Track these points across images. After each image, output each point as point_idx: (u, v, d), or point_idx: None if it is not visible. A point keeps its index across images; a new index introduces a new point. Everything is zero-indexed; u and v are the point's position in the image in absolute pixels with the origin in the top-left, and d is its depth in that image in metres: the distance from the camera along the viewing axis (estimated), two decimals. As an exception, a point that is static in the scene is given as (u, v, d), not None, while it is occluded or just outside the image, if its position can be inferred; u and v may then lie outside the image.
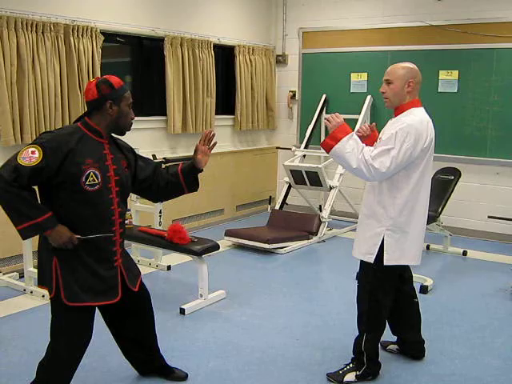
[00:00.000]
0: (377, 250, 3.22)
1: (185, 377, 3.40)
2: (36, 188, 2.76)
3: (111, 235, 2.90)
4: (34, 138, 5.11)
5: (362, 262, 3.34)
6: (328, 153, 3.17)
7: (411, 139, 3.07)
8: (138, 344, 3.30)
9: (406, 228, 3.23)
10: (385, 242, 3.21)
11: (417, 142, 3.10)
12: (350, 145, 3.08)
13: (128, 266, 3.07)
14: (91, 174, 2.75)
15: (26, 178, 2.62)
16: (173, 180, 3.16)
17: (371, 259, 3.24)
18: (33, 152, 2.64)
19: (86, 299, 2.82)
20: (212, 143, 3.20)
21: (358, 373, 3.37)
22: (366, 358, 3.36)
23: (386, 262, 3.22)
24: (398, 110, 3.25)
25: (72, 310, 2.80)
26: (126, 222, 5.01)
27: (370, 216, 3.27)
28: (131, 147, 3.11)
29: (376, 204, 3.23)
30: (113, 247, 2.94)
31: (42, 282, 2.95)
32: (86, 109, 2.89)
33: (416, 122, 3.13)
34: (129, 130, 2.96)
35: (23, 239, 2.83)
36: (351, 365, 3.41)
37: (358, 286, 3.42)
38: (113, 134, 2.96)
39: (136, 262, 5.49)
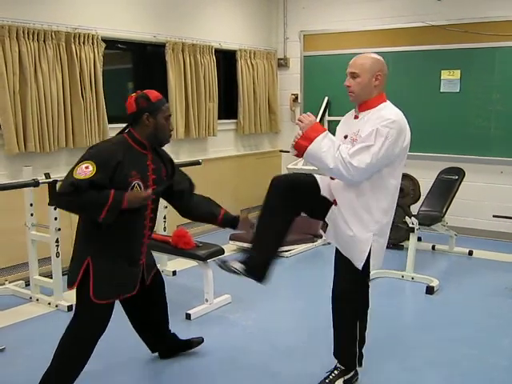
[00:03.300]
0: (365, 256, 3.07)
1: (201, 341, 3.71)
2: None
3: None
4: (38, 146, 5.14)
5: (347, 263, 3.12)
6: (301, 155, 2.99)
7: (393, 135, 2.90)
8: (150, 325, 3.52)
9: (388, 231, 3.16)
10: (372, 248, 3.06)
11: (399, 139, 2.94)
12: (325, 143, 2.90)
13: (148, 262, 3.29)
14: (136, 185, 2.97)
15: (83, 190, 2.81)
16: (208, 218, 3.53)
17: (360, 266, 3.09)
18: (86, 167, 2.83)
19: (111, 297, 3.05)
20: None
21: (345, 377, 3.30)
22: (356, 360, 3.31)
23: (371, 268, 3.12)
24: (365, 106, 3.06)
25: (97, 305, 3.00)
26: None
27: (354, 222, 3.04)
28: (171, 158, 3.32)
29: (360, 208, 3.02)
30: (141, 248, 3.16)
31: (68, 279, 3.12)
32: (128, 122, 3.14)
33: (399, 117, 2.98)
34: (168, 142, 3.14)
35: (108, 223, 2.91)
36: (335, 372, 3.31)
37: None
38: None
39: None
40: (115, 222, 2.92)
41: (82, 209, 2.93)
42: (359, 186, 3.00)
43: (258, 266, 3.10)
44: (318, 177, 3.18)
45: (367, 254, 3.06)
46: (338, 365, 3.32)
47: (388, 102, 3.10)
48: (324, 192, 3.13)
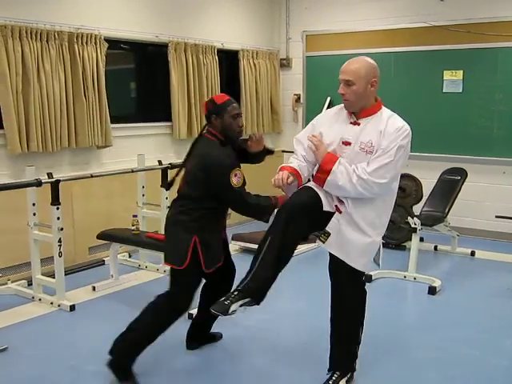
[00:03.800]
0: (373, 257, 3.16)
1: (220, 336, 3.96)
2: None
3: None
4: (41, 145, 5.14)
5: (352, 269, 3.12)
6: (323, 187, 3.04)
7: (408, 145, 3.00)
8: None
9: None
10: (380, 249, 3.20)
11: (409, 146, 3.02)
12: (340, 172, 2.94)
13: (225, 237, 3.74)
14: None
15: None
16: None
17: (367, 268, 3.16)
18: (236, 174, 3.39)
19: (215, 265, 3.49)
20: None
21: (347, 377, 3.31)
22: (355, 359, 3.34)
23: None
24: (365, 113, 3.04)
25: (198, 275, 3.46)
26: (133, 227, 5.07)
27: (369, 228, 3.07)
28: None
29: (373, 214, 3.07)
30: (224, 221, 3.66)
31: (173, 259, 3.43)
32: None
33: (406, 124, 3.01)
34: (237, 138, 3.58)
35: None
36: (337, 373, 3.30)
37: (342, 298, 3.26)
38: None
39: (144, 267, 5.55)
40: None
41: (257, 213, 3.55)
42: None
43: (257, 292, 3.06)
44: (317, 190, 3.11)
45: (375, 254, 3.17)
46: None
47: (384, 107, 3.12)
48: (326, 206, 3.09)
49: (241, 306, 3.01)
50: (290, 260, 3.15)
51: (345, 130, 3.07)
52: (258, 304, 3.06)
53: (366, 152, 2.99)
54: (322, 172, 3.00)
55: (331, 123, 3.16)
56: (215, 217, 3.49)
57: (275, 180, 3.01)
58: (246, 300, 3.01)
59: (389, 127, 2.97)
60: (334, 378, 3.29)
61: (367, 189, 2.94)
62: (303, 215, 2.98)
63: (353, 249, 3.08)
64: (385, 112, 3.06)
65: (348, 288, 3.22)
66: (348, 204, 3.05)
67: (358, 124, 3.05)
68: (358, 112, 3.05)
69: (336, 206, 3.10)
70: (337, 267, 3.20)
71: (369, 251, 3.14)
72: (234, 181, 3.35)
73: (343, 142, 3.05)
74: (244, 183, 3.42)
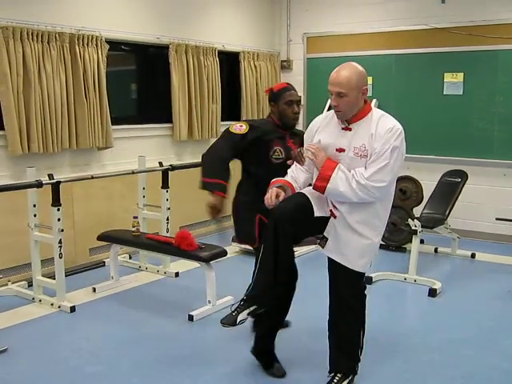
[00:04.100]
0: (372, 257, 3.17)
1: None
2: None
3: None
4: (41, 147, 5.15)
5: (351, 272, 3.13)
6: (324, 194, 3.05)
7: (403, 145, 2.98)
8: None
9: None
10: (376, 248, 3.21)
11: (404, 145, 2.99)
12: (340, 178, 2.94)
13: None
14: (277, 150, 3.58)
15: (234, 143, 3.50)
16: None
17: (367, 269, 3.17)
18: (241, 126, 3.53)
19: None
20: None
21: (349, 379, 3.31)
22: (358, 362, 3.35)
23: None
24: (356, 117, 3.03)
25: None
26: (134, 229, 5.07)
27: (368, 230, 3.08)
28: (302, 133, 3.64)
29: (371, 216, 3.07)
30: None
31: (245, 239, 3.76)
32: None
33: (398, 124, 2.99)
34: (292, 123, 3.63)
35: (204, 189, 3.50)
36: (338, 375, 3.31)
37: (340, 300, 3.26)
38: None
39: (144, 269, 5.55)
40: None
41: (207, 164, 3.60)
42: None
43: (261, 299, 3.12)
44: (309, 196, 3.14)
45: (374, 254, 3.18)
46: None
47: (373, 107, 3.11)
48: (318, 211, 3.12)
49: (248, 314, 3.09)
50: (290, 262, 3.19)
51: (337, 137, 3.08)
52: (266, 310, 3.12)
53: (360, 156, 2.99)
54: (322, 179, 2.99)
55: (324, 130, 3.17)
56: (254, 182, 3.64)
57: (266, 200, 3.05)
58: (252, 308, 3.07)
59: (379, 129, 2.96)
60: (335, 381, 3.29)
61: (367, 193, 2.94)
62: (290, 222, 3.01)
63: (351, 251, 3.09)
64: (375, 113, 3.04)
65: (347, 290, 3.21)
66: (342, 208, 3.06)
67: (350, 129, 3.04)
68: (350, 118, 3.05)
69: (331, 210, 3.12)
70: (336, 270, 3.20)
71: (368, 252, 3.14)
72: (234, 127, 3.55)
73: (337, 149, 3.06)
74: (242, 136, 3.51)
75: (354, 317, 3.26)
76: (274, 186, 3.13)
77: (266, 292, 3.07)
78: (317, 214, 3.11)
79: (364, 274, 3.23)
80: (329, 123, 3.15)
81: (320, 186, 3.01)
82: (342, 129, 3.07)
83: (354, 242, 3.08)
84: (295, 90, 3.67)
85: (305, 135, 3.34)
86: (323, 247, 3.17)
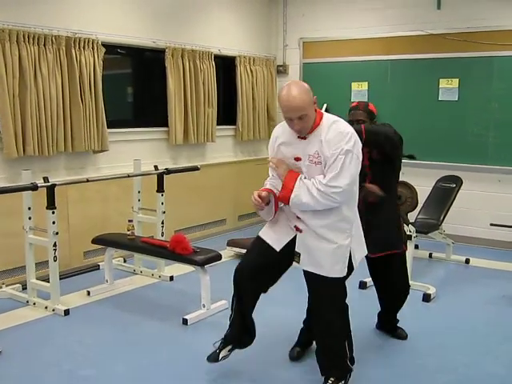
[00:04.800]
0: (347, 260, 3.17)
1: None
2: None
3: None
4: (37, 149, 5.14)
5: (330, 283, 3.16)
6: (289, 205, 3.10)
7: (357, 146, 3.00)
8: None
9: (356, 219, 3.27)
10: (352, 246, 3.19)
11: (359, 146, 3.03)
12: (302, 188, 3.00)
13: None
14: None
15: None
16: None
17: (344, 272, 3.18)
18: None
19: None
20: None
21: (344, 381, 3.32)
22: (349, 361, 3.36)
23: (355, 265, 3.26)
24: (312, 128, 3.06)
25: None
26: (129, 232, 5.07)
27: (334, 234, 3.11)
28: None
29: (336, 220, 3.09)
30: None
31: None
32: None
33: (349, 126, 3.05)
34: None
35: None
36: (331, 379, 3.31)
37: (318, 302, 3.30)
38: None
39: (138, 272, 5.55)
40: None
41: None
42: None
43: (237, 338, 3.51)
44: (268, 230, 3.33)
45: (349, 257, 3.17)
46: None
47: (323, 112, 3.15)
48: (279, 242, 3.24)
49: (229, 351, 3.47)
50: (256, 302, 3.43)
51: (294, 146, 3.14)
52: (242, 348, 3.52)
53: (315, 163, 3.04)
54: (285, 190, 3.06)
55: (283, 139, 3.21)
56: None
57: (253, 203, 3.13)
58: (230, 347, 3.47)
59: (330, 134, 3.00)
60: (329, 382, 3.30)
61: (329, 199, 2.98)
62: (250, 279, 3.29)
63: (323, 259, 3.13)
64: (326, 120, 3.08)
65: (328, 307, 3.24)
66: (305, 217, 3.12)
67: (305, 138, 3.09)
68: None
69: (295, 226, 3.18)
70: (314, 286, 3.25)
71: (340, 256, 3.13)
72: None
73: (295, 158, 3.12)
74: None
75: (336, 331, 3.27)
76: (255, 191, 3.18)
77: (241, 332, 3.47)
78: (279, 247, 3.24)
79: (343, 280, 3.22)
80: (286, 133, 3.17)
81: (283, 196, 3.08)
82: (298, 137, 3.11)
83: (324, 249, 3.11)
84: (361, 109, 3.80)
85: (269, 144, 3.38)
86: (299, 262, 3.22)
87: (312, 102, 3.00)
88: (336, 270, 3.14)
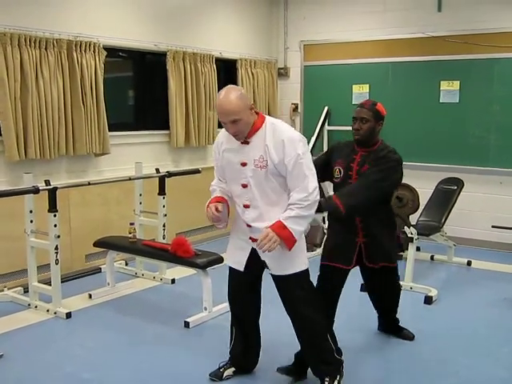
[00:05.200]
0: (305, 250, 3.26)
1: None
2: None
3: None
4: (38, 153, 5.15)
5: (299, 277, 3.19)
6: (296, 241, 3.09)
7: (305, 146, 3.05)
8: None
9: None
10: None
11: (306, 146, 3.09)
12: (295, 225, 3.01)
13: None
14: (337, 169, 3.66)
15: None
16: None
17: (307, 262, 3.24)
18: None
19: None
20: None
21: (338, 379, 3.31)
22: (337, 353, 3.37)
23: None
24: (251, 132, 3.07)
25: None
26: (130, 235, 5.07)
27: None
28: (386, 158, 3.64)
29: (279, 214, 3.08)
30: None
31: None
32: None
33: (291, 131, 3.07)
34: (354, 139, 3.67)
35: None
36: (326, 381, 3.30)
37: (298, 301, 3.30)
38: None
39: (140, 275, 5.54)
40: None
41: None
42: (272, 206, 3.10)
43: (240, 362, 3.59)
44: (229, 261, 3.42)
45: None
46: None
47: (266, 116, 3.15)
48: (241, 263, 3.30)
49: (233, 372, 3.55)
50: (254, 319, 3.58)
51: (238, 152, 3.13)
52: (247, 372, 3.59)
53: (260, 168, 3.05)
54: (289, 241, 3.02)
55: (227, 146, 3.19)
56: None
57: (210, 217, 3.17)
58: (234, 369, 3.56)
59: (276, 139, 3.01)
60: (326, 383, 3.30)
61: (316, 203, 3.05)
62: (236, 303, 3.49)
63: (284, 259, 3.14)
64: (268, 123, 3.08)
65: (303, 305, 3.25)
66: (256, 224, 3.14)
67: (248, 143, 3.09)
68: (246, 135, 3.09)
69: (250, 237, 3.21)
70: (284, 286, 3.26)
71: (298, 247, 3.13)
72: None
73: (241, 164, 3.12)
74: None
75: (316, 327, 3.28)
76: (211, 204, 3.18)
77: (240, 359, 3.56)
78: (242, 267, 3.29)
79: (308, 272, 3.25)
80: (230, 139, 3.15)
81: (290, 244, 3.05)
82: (242, 143, 3.11)
83: (281, 248, 3.08)
84: (366, 108, 3.61)
85: (213, 150, 3.37)
86: (269, 269, 3.23)
87: (247, 107, 2.99)
88: (302, 263, 3.20)
